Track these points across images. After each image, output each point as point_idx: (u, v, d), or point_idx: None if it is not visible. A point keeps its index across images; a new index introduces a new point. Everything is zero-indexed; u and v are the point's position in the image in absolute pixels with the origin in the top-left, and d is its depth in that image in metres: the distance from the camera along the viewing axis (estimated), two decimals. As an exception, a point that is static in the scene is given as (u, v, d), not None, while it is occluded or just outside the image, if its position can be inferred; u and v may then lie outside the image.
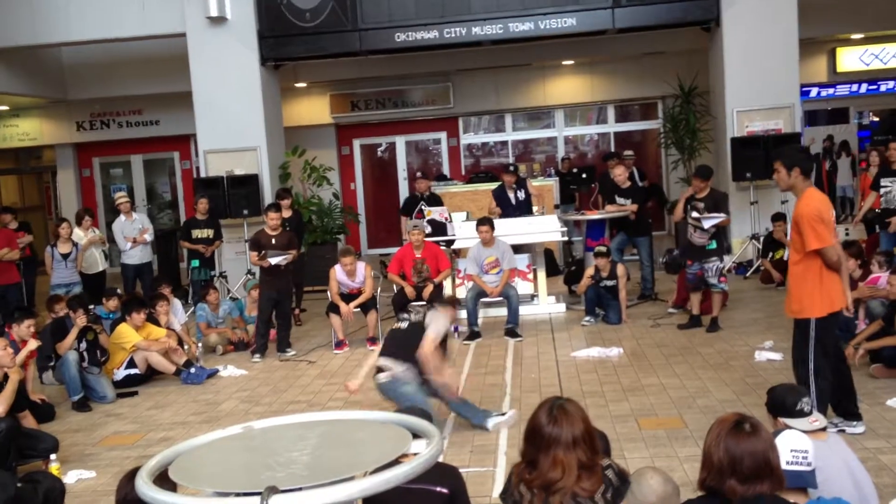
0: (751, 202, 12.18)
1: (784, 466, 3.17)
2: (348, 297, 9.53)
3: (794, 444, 3.41)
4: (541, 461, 3.07)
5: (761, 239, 11.84)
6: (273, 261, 9.27)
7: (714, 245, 8.94)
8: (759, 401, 5.86)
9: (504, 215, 11.04)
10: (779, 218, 11.25)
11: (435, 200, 11.95)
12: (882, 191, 9.89)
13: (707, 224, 8.80)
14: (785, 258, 10.85)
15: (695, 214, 8.86)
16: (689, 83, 14.18)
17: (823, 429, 3.88)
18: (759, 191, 12.31)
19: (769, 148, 11.73)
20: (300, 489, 2.46)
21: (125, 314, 8.74)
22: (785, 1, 12.16)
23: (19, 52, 13.76)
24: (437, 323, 6.35)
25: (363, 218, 17.37)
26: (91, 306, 8.78)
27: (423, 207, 11.66)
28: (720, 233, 9.12)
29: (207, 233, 11.63)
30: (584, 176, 14.89)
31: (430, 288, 9.61)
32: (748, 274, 11.92)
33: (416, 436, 2.99)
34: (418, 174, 13.67)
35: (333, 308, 9.47)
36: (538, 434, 3.11)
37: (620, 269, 9.85)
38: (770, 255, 11.18)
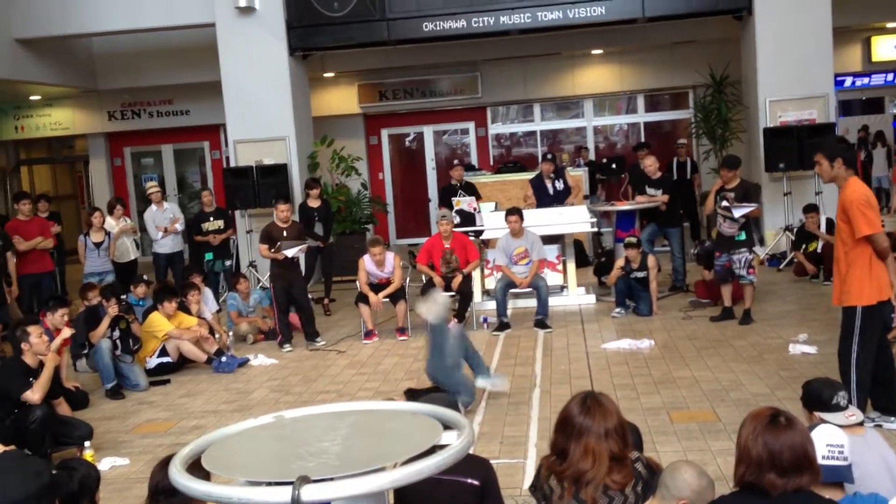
0: (784, 193, 12.04)
1: (820, 461, 3.12)
2: (377, 287, 9.54)
3: (829, 439, 3.36)
4: (571, 450, 3.05)
5: (794, 230, 11.69)
6: (289, 253, 9.29)
7: (744, 236, 8.82)
8: (793, 395, 5.79)
9: (540, 205, 10.99)
10: (811, 209, 11.10)
11: (470, 189, 11.90)
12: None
13: (737, 213, 8.69)
14: (818, 250, 10.74)
15: (724, 204, 8.75)
16: (721, 72, 14.01)
17: (860, 423, 3.83)
18: (793, 182, 12.15)
19: (803, 138, 11.58)
20: (331, 479, 2.45)
21: (157, 303, 8.81)
22: (819, -13, 12.00)
23: (50, 43, 13.89)
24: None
25: (391, 208, 17.38)
26: (123, 296, 8.86)
27: (461, 195, 11.57)
28: (750, 224, 9.00)
29: (218, 224, 11.69)
30: (613, 166, 14.79)
31: (458, 278, 9.59)
32: (782, 266, 11.77)
33: (446, 427, 2.97)
34: (455, 162, 13.59)
35: (362, 298, 9.48)
36: (569, 423, 3.10)
37: (651, 260, 9.77)
38: (803, 246, 11.03)
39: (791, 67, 12.05)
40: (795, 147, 11.63)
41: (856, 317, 5.40)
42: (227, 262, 11.88)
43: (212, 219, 11.72)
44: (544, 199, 11.27)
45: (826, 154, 5.51)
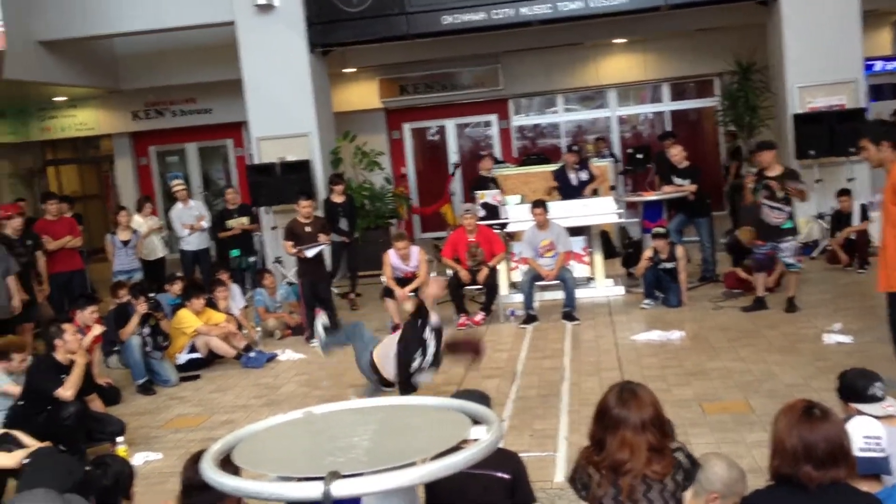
0: (815, 180, 11.86)
1: (856, 453, 3.08)
2: (403, 281, 9.52)
3: (866, 430, 3.32)
4: (608, 441, 3.03)
5: (826, 218, 11.54)
6: (310, 253, 9.32)
7: (790, 224, 8.68)
8: (828, 385, 5.69)
9: (564, 197, 10.92)
10: (844, 193, 10.96)
11: (496, 180, 11.82)
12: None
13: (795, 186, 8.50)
14: (852, 237, 10.60)
15: (780, 195, 8.53)
16: (747, 59, 13.83)
17: (899, 414, 3.75)
18: (824, 169, 11.98)
19: (833, 124, 11.42)
20: (362, 474, 2.44)
21: (185, 300, 8.86)
22: (846, -29, 11.81)
23: (73, 44, 13.96)
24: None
25: (415, 202, 17.35)
26: (151, 294, 8.93)
27: (491, 187, 11.51)
28: (794, 212, 8.86)
29: (242, 221, 11.76)
30: (639, 156, 14.67)
31: (484, 272, 9.55)
32: (814, 254, 11.62)
33: (475, 421, 2.95)
34: (482, 153, 13.51)
35: (388, 292, 9.47)
36: (606, 415, 3.08)
37: (680, 250, 9.67)
38: (837, 235, 10.89)
39: (819, 53, 11.85)
40: (826, 133, 11.45)
41: None
42: (252, 259, 11.93)
43: (236, 216, 11.77)
44: (568, 190, 11.19)
45: (871, 138, 5.44)
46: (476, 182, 12.19)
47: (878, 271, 5.64)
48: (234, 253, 11.70)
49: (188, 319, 8.70)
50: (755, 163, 9.33)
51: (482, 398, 3.73)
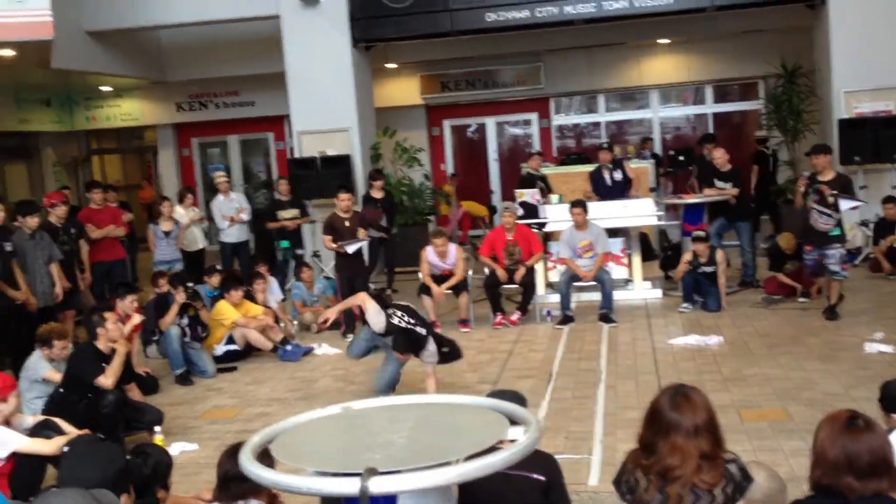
0: (860, 187, 11.64)
1: (902, 466, 3.02)
2: (440, 278, 9.52)
3: (912, 443, 3.25)
4: (659, 446, 2.95)
5: (870, 225, 11.35)
6: (350, 249, 9.35)
7: (838, 231, 8.54)
8: (869, 395, 5.61)
9: (599, 197, 10.84)
10: (890, 200, 10.79)
11: (544, 180, 11.71)
12: None
13: (845, 206, 8.39)
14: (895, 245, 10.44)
15: (831, 201, 8.42)
16: (792, 62, 13.64)
17: (943, 427, 3.69)
18: (869, 175, 11.80)
19: (879, 130, 11.24)
20: (399, 472, 2.44)
21: (224, 291, 8.94)
22: (897, -26, 11.60)
23: (120, 35, 14.15)
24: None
25: (453, 199, 17.33)
26: (190, 284, 9.01)
27: (539, 185, 11.45)
28: (842, 219, 8.72)
29: (293, 213, 11.80)
30: (680, 158, 14.53)
31: (521, 271, 9.52)
32: (857, 262, 11.43)
33: (513, 422, 2.94)
34: (529, 151, 13.41)
35: (425, 289, 9.48)
36: (658, 418, 2.99)
37: (720, 254, 9.57)
38: (880, 242, 10.72)
39: (867, 57, 11.66)
40: (871, 139, 11.28)
41: None
42: (301, 251, 11.99)
43: (287, 207, 11.82)
44: (601, 190, 11.09)
45: None
46: (523, 180, 12.14)
47: None
48: (284, 244, 11.77)
49: (226, 311, 8.79)
50: (809, 166, 9.18)
51: (518, 398, 3.72)
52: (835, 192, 8.42)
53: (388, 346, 6.85)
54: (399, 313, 6.71)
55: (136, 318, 7.53)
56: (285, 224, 11.68)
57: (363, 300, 6.86)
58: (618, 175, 11.17)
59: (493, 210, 16.42)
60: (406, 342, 6.65)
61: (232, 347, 8.79)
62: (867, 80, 11.74)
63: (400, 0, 12.73)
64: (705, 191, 10.75)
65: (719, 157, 10.64)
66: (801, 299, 9.45)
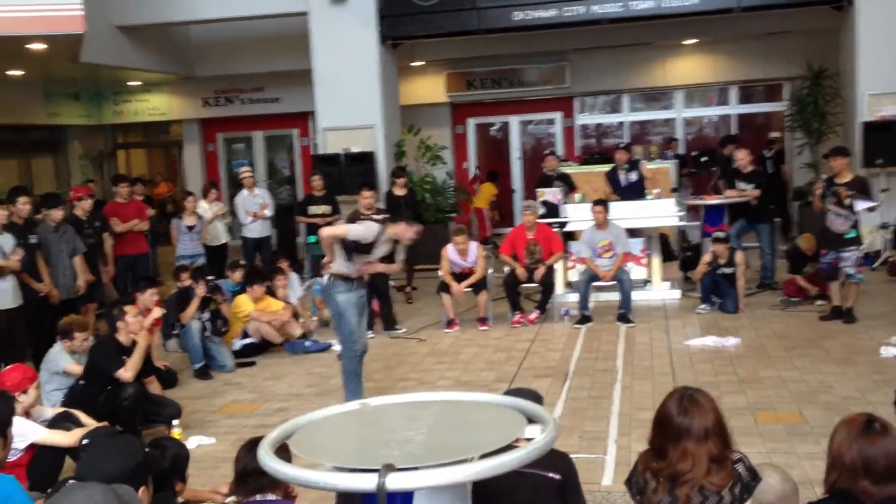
0: (881, 190, 11.60)
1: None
2: (460, 276, 9.57)
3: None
4: (670, 452, 2.99)
5: (891, 228, 11.29)
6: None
7: (854, 234, 8.52)
8: (885, 399, 5.64)
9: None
10: (911, 203, 10.77)
11: (566, 179, 11.67)
12: None
13: (860, 206, 8.37)
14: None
15: (847, 202, 8.41)
16: (818, 64, 13.56)
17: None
18: (892, 178, 11.73)
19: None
20: (416, 468, 2.48)
21: (246, 285, 9.04)
22: (924, -22, 11.52)
23: (151, 30, 14.31)
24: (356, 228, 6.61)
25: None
26: (211, 277, 9.09)
27: (556, 185, 11.41)
28: (859, 221, 8.71)
29: (324, 209, 11.80)
30: (703, 159, 14.49)
31: (541, 270, 9.56)
32: (875, 265, 11.38)
33: (530, 421, 2.97)
34: (546, 151, 13.37)
35: (444, 287, 9.53)
36: (668, 424, 3.03)
37: (739, 256, 9.57)
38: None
39: (892, 60, 11.60)
40: (894, 142, 11.23)
41: None
42: None
43: (320, 203, 11.85)
44: (617, 190, 11.08)
45: None
46: (540, 181, 12.14)
47: None
48: (312, 238, 11.81)
49: (243, 304, 8.90)
50: (827, 168, 9.15)
51: (535, 397, 3.76)
52: (851, 192, 8.40)
53: (360, 293, 6.80)
54: (367, 216, 6.92)
55: (157, 312, 7.57)
56: (315, 220, 11.73)
57: (343, 229, 6.78)
58: (633, 176, 11.14)
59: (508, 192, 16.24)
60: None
61: (248, 341, 8.90)
62: (892, 83, 11.67)
63: (428, -2, 12.79)
64: (726, 192, 10.74)
65: (742, 157, 10.62)
66: (819, 302, 9.41)
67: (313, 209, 11.77)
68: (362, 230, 6.59)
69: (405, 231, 6.73)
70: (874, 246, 11.71)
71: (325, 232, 6.77)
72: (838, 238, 8.52)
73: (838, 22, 12.74)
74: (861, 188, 8.54)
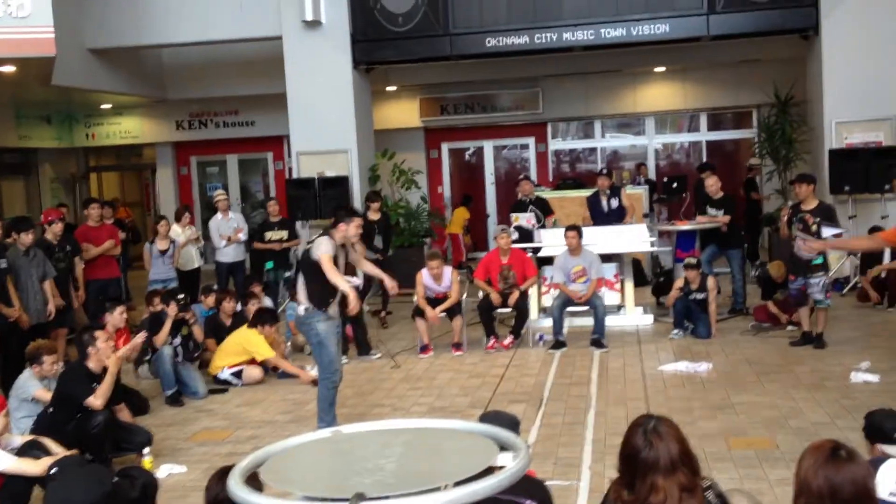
0: (849, 216, 11.78)
1: (886, 497, 3.07)
2: (434, 301, 9.57)
3: (897, 474, 3.30)
4: (638, 486, 2.96)
5: (858, 255, 11.44)
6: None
7: (821, 259, 8.62)
8: (854, 424, 5.68)
9: (595, 223, 10.91)
10: (876, 230, 10.87)
11: (541, 204, 11.66)
12: None
13: (827, 233, 8.49)
14: (882, 276, 10.52)
15: (814, 229, 8.51)
16: (786, 92, 13.79)
17: (925, 458, 3.73)
18: (858, 205, 11.91)
19: (869, 161, 11.38)
20: (387, 497, 2.48)
21: (255, 324, 8.84)
22: (888, 9, 11.76)
23: (122, 53, 14.27)
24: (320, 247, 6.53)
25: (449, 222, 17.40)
26: (181, 295, 9.00)
27: (531, 210, 11.43)
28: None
29: (281, 234, 11.82)
30: (674, 185, 14.64)
31: (515, 294, 9.58)
32: (844, 291, 11.53)
33: (502, 448, 2.98)
34: (521, 176, 13.42)
35: (419, 312, 9.53)
36: (633, 458, 2.97)
37: (711, 281, 9.66)
38: (868, 272, 10.79)
39: (858, 89, 11.82)
40: (861, 170, 11.42)
41: None
42: (287, 273, 12.01)
43: (276, 228, 11.87)
44: (598, 216, 11.16)
45: None
46: (515, 206, 12.18)
47: None
48: (269, 265, 11.79)
49: (261, 347, 8.66)
50: (793, 195, 9.29)
51: (512, 421, 3.76)
52: (818, 219, 8.52)
53: (336, 323, 6.78)
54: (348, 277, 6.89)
55: (139, 338, 7.50)
56: (272, 246, 11.73)
57: (331, 266, 6.56)
58: (615, 202, 11.25)
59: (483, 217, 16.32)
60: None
61: (238, 369, 8.73)
62: (858, 112, 11.89)
63: (401, 24, 12.87)
64: (698, 218, 10.85)
65: (712, 184, 10.75)
66: (790, 327, 9.51)
67: (270, 235, 11.77)
68: (329, 247, 6.55)
69: (346, 230, 6.72)
70: (843, 272, 11.87)
71: (338, 279, 6.53)
72: (806, 264, 8.62)
73: (805, 51, 12.96)
74: (826, 215, 8.66)
